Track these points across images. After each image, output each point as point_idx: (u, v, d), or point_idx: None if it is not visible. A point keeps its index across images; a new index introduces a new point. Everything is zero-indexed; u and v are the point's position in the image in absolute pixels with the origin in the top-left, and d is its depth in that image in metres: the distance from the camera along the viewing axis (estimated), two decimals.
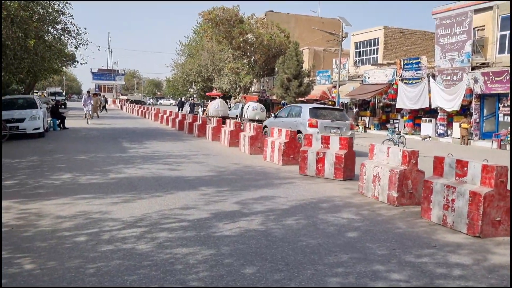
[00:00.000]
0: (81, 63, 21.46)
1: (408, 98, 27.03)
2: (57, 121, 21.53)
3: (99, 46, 20.21)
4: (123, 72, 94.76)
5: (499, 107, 22.32)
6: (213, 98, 40.92)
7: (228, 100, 50.61)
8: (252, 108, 28.13)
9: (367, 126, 32.24)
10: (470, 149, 20.61)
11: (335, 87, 35.54)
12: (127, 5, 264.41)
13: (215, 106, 31.10)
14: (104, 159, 12.13)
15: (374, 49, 33.75)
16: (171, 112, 28.58)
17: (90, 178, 9.27)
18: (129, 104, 55.22)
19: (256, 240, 5.41)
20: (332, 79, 36.32)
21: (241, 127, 16.23)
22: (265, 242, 5.32)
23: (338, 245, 5.31)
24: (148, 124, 28.03)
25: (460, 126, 23.06)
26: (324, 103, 36.57)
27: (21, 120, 16.73)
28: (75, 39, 18.18)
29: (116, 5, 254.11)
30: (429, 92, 25.41)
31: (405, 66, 27.46)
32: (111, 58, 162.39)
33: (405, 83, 27.46)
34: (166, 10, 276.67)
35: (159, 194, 7.86)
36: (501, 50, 22.67)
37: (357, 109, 35.76)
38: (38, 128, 17.26)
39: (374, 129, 31.36)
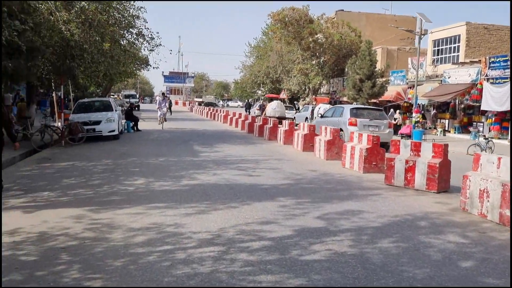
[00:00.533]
0: (153, 67, 21.63)
1: (494, 99, 24.81)
2: (131, 123, 21.89)
3: (171, 50, 20.60)
4: (193, 75, 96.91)
5: None
6: (271, 100, 42.31)
7: (296, 102, 49.87)
8: (324, 110, 27.17)
9: (446, 129, 30.11)
10: None
11: (410, 87, 33.66)
12: (196, 9, 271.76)
13: (273, 107, 33.40)
14: (176, 163, 11.83)
15: (454, 47, 31.49)
16: (240, 114, 28.30)
17: (162, 185, 8.91)
18: (198, 106, 56.11)
19: (352, 268, 4.62)
20: (407, 79, 34.40)
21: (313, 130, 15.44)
22: (363, 272, 4.52)
23: (453, 279, 4.39)
24: (217, 127, 27.93)
25: None
26: (399, 106, 34.80)
27: (97, 122, 17.03)
28: (148, 43, 18.32)
29: (186, 8, 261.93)
30: None
31: (492, 65, 25.22)
32: (182, 61, 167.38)
33: (491, 83, 25.23)
34: (234, 11, 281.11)
35: (234, 205, 7.29)
36: None
37: (435, 111, 33.58)
38: (113, 131, 17.51)
39: (455, 132, 29.22)
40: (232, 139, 19.52)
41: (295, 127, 18.10)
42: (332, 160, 13.01)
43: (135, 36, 18.27)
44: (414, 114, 25.87)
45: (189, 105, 68.08)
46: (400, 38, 51.04)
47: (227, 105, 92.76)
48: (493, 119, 26.17)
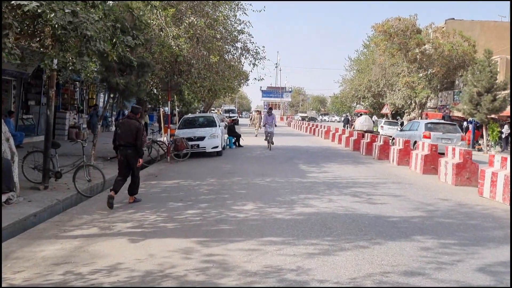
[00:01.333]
0: (258, 79, 21.07)
1: None
2: (233, 139, 21.59)
3: (276, 64, 19.49)
4: (290, 89, 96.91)
5: None
6: (361, 114, 44.99)
7: (398, 117, 46.97)
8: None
9: None
10: None
11: None
12: (295, 22, 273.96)
13: (361, 121, 37.03)
14: (284, 185, 10.92)
15: None
16: (343, 130, 26.90)
17: (274, 212, 7.99)
18: (296, 121, 55.40)
19: None
20: None
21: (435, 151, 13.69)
22: None
23: None
24: (319, 143, 26.77)
25: None
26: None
27: (201, 138, 16.80)
28: (253, 57, 17.82)
29: (284, 22, 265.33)
30: None
31: None
32: (280, 76, 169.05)
33: None
34: (331, 26, 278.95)
35: (363, 244, 6.11)
36: None
37: None
38: (217, 147, 17.19)
39: None
40: (338, 157, 18.25)
41: (412, 147, 16.40)
42: (463, 187, 11.23)
43: (240, 51, 17.87)
44: None
45: (287, 119, 67.79)
46: None
47: (324, 120, 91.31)
48: None
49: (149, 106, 28.26)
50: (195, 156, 16.69)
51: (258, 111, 32.96)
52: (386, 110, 43.13)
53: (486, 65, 27.31)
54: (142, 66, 11.55)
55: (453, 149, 11.98)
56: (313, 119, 74.72)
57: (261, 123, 13.26)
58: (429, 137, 17.66)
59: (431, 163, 13.35)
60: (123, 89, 11.26)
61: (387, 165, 15.77)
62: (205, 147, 16.92)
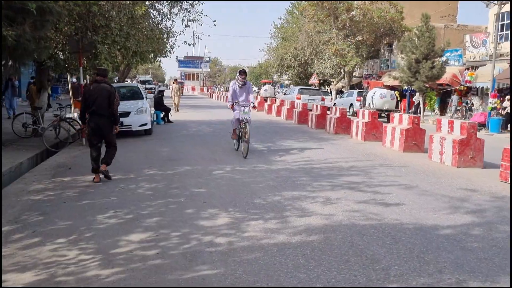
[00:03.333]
0: (188, 44, 17.30)
1: None
2: (161, 114, 18.22)
3: (215, 21, 16.12)
4: (208, 59, 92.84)
5: None
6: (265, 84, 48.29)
7: (323, 87, 45.70)
8: (380, 96, 23.30)
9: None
10: None
11: (468, 69, 29.55)
12: None
13: (265, 89, 41.52)
14: (252, 176, 8.13)
15: None
16: (282, 101, 24.49)
17: (267, 229, 5.20)
18: (219, 92, 52.29)
19: None
20: (465, 59, 30.25)
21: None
22: None
23: None
24: (256, 116, 24.11)
25: None
26: (455, 91, 30.67)
27: (126, 114, 13.29)
28: (188, 12, 14.41)
29: None
30: None
31: None
32: (198, 45, 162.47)
33: None
34: None
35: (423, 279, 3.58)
36: None
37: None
38: (145, 124, 13.86)
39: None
40: (289, 132, 15.78)
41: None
42: (467, 168, 9.21)
43: (170, 3, 14.29)
44: (490, 99, 21.86)
45: (208, 91, 64.34)
46: (441, 15, 46.49)
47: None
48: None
49: (53, 75, 23.67)
50: (119, 137, 13.21)
51: (176, 80, 28.99)
52: (314, 79, 41.46)
53: (424, 31, 26.15)
54: (42, 13, 7.91)
55: (452, 122, 9.87)
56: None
57: (229, 101, 8.94)
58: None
59: (413, 138, 11.26)
60: (13, 45, 7.61)
61: (353, 142, 13.54)
62: (130, 126, 13.51)
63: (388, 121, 24.47)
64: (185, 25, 14.60)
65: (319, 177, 8.08)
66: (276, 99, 25.66)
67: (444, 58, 27.00)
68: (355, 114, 26.71)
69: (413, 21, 41.00)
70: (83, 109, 7.84)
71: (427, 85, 26.58)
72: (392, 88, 30.05)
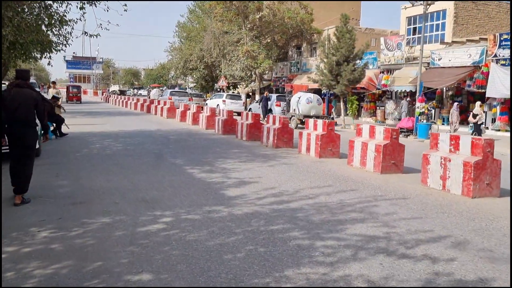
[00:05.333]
0: (90, 35, 13.20)
1: (505, 85, 20.72)
2: (51, 126, 14.22)
3: (125, 5, 12.45)
4: (101, 60, 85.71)
5: None
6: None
7: (232, 90, 43.31)
8: (307, 100, 21.34)
9: (433, 120, 25.82)
10: None
11: (383, 72, 29.10)
12: None
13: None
14: (213, 232, 5.17)
15: (437, 25, 27.20)
16: (198, 107, 21.45)
17: None
18: (117, 96, 47.40)
19: None
20: (380, 61, 29.75)
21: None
22: None
23: None
24: (169, 124, 20.79)
25: None
26: (374, 94, 30.08)
27: None
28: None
29: None
30: None
31: (504, 43, 21.08)
32: (90, 44, 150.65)
33: (503, 64, 21.13)
34: None
35: None
36: None
37: (409, 99, 29.35)
38: None
39: (443, 124, 25.04)
40: (221, 147, 12.91)
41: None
42: (484, 198, 7.13)
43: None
44: (418, 104, 20.99)
45: (102, 94, 58.65)
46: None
47: (140, 94, 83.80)
48: (499, 108, 22.23)
49: None
50: None
51: (54, 83, 24.31)
52: (223, 82, 38.77)
53: (344, 32, 24.85)
54: None
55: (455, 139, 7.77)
56: (122, 92, 70.28)
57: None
58: None
59: (392, 156, 9.05)
60: None
61: (307, 159, 11.04)
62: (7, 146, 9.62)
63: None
64: (80, 7, 10.94)
65: (316, 229, 5.37)
66: (192, 105, 22.45)
67: (364, 61, 26.05)
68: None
69: (319, 24, 40.50)
70: (3, 119, 6.42)
71: (348, 89, 25.38)
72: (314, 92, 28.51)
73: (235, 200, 6.78)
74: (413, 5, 21.31)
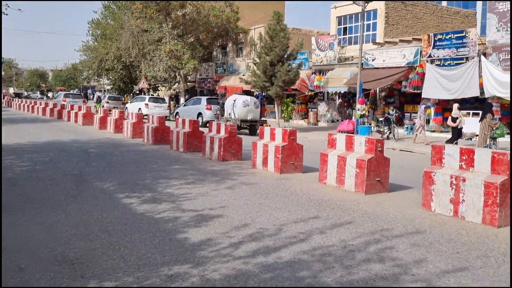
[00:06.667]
0: None
1: (442, 85, 20.51)
2: None
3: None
4: (3, 60, 77.56)
5: None
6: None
7: (151, 92, 40.36)
8: (243, 103, 19.57)
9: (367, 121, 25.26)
10: None
11: (315, 73, 28.21)
12: None
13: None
14: None
15: (368, 25, 26.75)
16: (121, 113, 18.81)
17: None
18: (19, 100, 42.36)
19: None
20: (311, 62, 28.81)
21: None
22: None
23: None
24: (86, 133, 17.93)
25: None
26: (305, 96, 29.05)
27: None
28: None
29: None
30: (480, 76, 19.11)
31: (438, 43, 20.86)
32: None
33: (437, 64, 20.92)
34: None
35: None
36: None
37: (340, 100, 28.77)
38: None
39: (377, 125, 24.53)
40: (158, 163, 10.69)
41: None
42: (507, 228, 5.77)
43: None
44: (358, 106, 20.09)
45: (4, 98, 52.66)
46: (270, 19, 45.77)
47: (52, 97, 77.48)
48: (434, 109, 22.06)
49: None
50: None
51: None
52: (143, 84, 35.80)
53: (278, 30, 23.44)
54: None
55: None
56: (18, 95, 69.00)
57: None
58: None
59: (376, 173, 7.51)
60: None
61: (267, 176, 9.20)
62: None
63: (251, 134, 21.38)
64: None
65: None
66: (114, 110, 19.63)
67: (298, 61, 24.85)
68: (206, 125, 22.66)
69: (244, 23, 39.09)
70: None
71: (281, 91, 24.02)
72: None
73: (202, 251, 4.76)
74: (358, 4, 20.31)
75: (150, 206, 6.56)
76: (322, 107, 28.67)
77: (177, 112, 26.86)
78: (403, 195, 7.59)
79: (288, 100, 23.70)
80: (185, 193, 7.42)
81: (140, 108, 27.89)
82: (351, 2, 27.13)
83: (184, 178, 8.70)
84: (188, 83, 39.39)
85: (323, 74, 27.60)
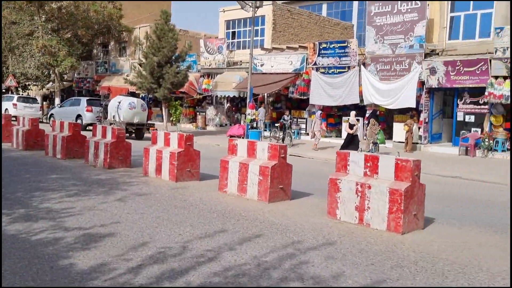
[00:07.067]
0: None
1: (327, 92, 21.50)
2: None
3: None
4: None
5: (457, 104, 18.63)
6: None
7: (27, 92, 36.49)
8: (129, 106, 18.36)
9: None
10: (435, 157, 16.34)
11: (203, 76, 27.77)
12: None
13: None
14: None
15: (257, 30, 27.01)
16: None
17: None
18: None
19: None
20: (200, 65, 28.28)
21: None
22: None
23: None
24: None
25: (407, 128, 18.12)
26: (193, 99, 28.36)
27: None
28: None
29: None
30: (360, 84, 20.37)
31: (323, 51, 21.78)
32: None
33: (322, 72, 21.85)
34: None
35: None
36: (455, 35, 18.99)
37: (228, 104, 28.70)
38: None
39: (265, 130, 24.96)
40: (32, 170, 9.28)
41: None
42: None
43: None
44: (249, 111, 20.05)
45: None
46: (156, 18, 44.36)
47: None
48: (319, 115, 22.93)
49: None
50: None
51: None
52: (11, 82, 32.03)
53: (166, 30, 22.52)
54: None
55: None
56: None
57: None
58: None
59: (279, 180, 7.23)
60: None
61: (162, 184, 8.42)
62: None
63: (138, 138, 19.93)
64: None
65: None
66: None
67: (187, 63, 24.12)
68: (86, 128, 20.86)
69: (128, 22, 37.32)
70: None
71: (171, 94, 23.11)
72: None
73: (94, 280, 3.95)
74: (246, 10, 20.21)
75: (23, 225, 5.46)
76: (210, 111, 28.30)
77: (51, 114, 24.41)
78: (305, 202, 7.42)
79: (176, 103, 22.85)
80: (67, 207, 6.39)
81: (7, 109, 24.87)
82: (240, 7, 27.35)
83: (65, 190, 7.57)
84: (65, 83, 36.30)
85: (211, 78, 27.25)
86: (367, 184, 5.92)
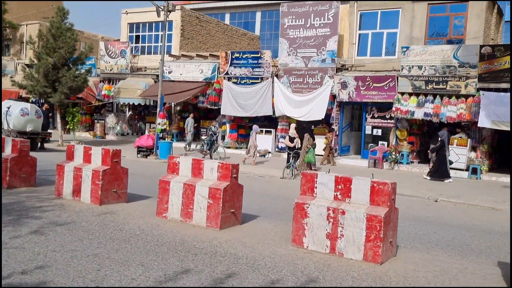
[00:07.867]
0: None
1: (239, 103, 21.09)
2: None
3: None
4: None
5: (366, 118, 19.32)
6: None
7: None
8: (21, 112, 16.07)
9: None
10: (347, 169, 16.78)
11: (103, 81, 25.73)
12: None
13: None
14: None
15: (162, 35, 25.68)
16: None
17: None
18: None
19: None
20: (100, 69, 26.12)
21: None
22: None
23: None
24: None
25: (326, 141, 18.44)
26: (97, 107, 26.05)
27: None
28: None
29: None
30: (272, 96, 20.27)
31: (235, 61, 21.32)
32: None
33: (234, 82, 21.38)
34: None
35: None
36: (363, 52, 19.71)
37: (130, 112, 26.90)
38: None
39: (172, 140, 23.78)
40: None
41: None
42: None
43: None
44: (159, 120, 18.74)
45: None
46: (44, 16, 40.57)
47: None
48: (229, 125, 22.35)
49: None
50: None
51: None
52: None
53: (64, 29, 20.30)
54: None
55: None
56: None
57: None
58: None
59: (231, 204, 6.39)
60: None
61: (84, 209, 7.05)
62: None
63: (32, 149, 16.95)
64: None
65: None
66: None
67: (87, 67, 21.98)
68: None
69: (12, 18, 33.64)
70: None
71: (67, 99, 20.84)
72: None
73: None
74: (158, 15, 18.85)
75: None
76: (110, 119, 26.26)
77: None
78: (257, 227, 6.65)
79: (75, 109, 20.67)
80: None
81: None
82: (144, 9, 25.84)
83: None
84: None
85: (113, 83, 25.32)
86: (340, 209, 5.35)
